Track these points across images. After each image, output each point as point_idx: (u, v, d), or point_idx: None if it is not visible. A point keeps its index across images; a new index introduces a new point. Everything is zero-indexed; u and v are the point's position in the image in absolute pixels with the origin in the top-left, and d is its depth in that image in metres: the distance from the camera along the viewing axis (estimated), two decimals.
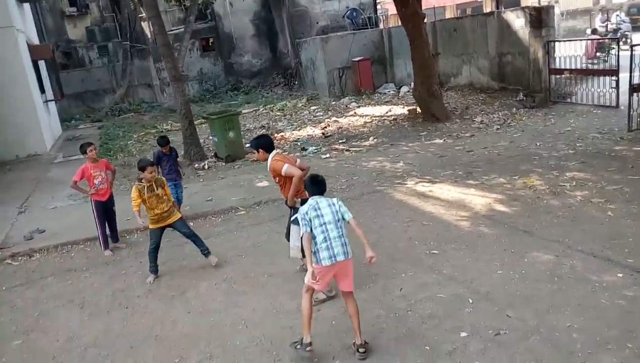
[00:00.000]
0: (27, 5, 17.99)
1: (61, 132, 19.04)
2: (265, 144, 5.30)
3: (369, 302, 4.86)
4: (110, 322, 5.17)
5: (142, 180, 5.91)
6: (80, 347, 4.78)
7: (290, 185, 5.07)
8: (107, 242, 7.01)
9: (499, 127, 11.29)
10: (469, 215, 6.68)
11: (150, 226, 5.94)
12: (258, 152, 5.30)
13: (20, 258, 7.19)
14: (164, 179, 6.28)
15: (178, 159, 8.00)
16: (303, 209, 4.13)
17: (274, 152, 5.28)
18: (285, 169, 5.03)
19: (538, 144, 9.52)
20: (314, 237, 4.06)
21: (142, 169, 5.91)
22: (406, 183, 8.26)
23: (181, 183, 7.96)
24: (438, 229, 6.37)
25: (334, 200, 4.23)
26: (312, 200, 4.18)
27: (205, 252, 6.08)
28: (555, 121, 11.18)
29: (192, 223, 7.66)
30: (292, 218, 5.07)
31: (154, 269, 5.99)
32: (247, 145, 12.59)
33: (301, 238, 4.22)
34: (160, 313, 5.21)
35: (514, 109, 12.53)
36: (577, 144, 9.17)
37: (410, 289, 5.02)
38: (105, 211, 6.95)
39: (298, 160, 5.30)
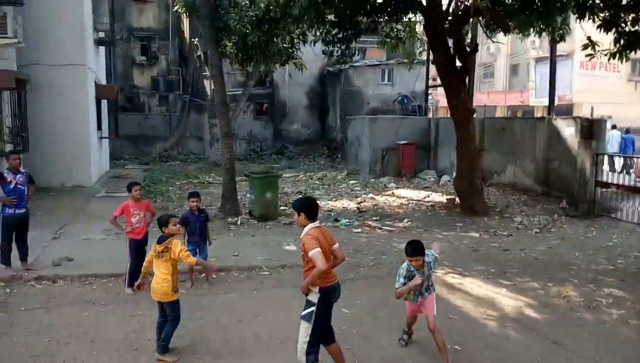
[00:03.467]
0: (102, 48, 19.36)
1: (108, 169, 19.81)
2: (308, 208, 4.61)
3: None
4: (117, 360, 5.10)
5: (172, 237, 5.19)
6: None
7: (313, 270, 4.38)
8: (133, 280, 7.05)
9: (538, 230, 11.03)
10: (498, 315, 6.42)
11: (177, 295, 5.20)
12: (299, 215, 4.60)
13: (44, 282, 7.30)
14: None
15: (208, 222, 7.56)
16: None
17: (315, 224, 4.56)
18: (313, 253, 4.31)
19: (577, 254, 9.21)
20: None
21: (165, 223, 5.18)
22: (436, 272, 8.03)
23: (206, 249, 7.42)
24: (464, 325, 6.13)
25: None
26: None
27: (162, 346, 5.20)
28: (597, 234, 10.85)
29: (215, 276, 7.69)
30: (303, 312, 4.48)
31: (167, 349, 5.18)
32: (283, 206, 12.71)
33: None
34: (167, 360, 5.09)
35: (556, 216, 12.27)
36: (618, 261, 8.82)
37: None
38: (138, 250, 7.05)
39: (337, 245, 4.69)
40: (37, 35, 14.30)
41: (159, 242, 5.18)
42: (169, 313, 5.18)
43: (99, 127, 17.71)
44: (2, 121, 11.86)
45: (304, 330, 4.43)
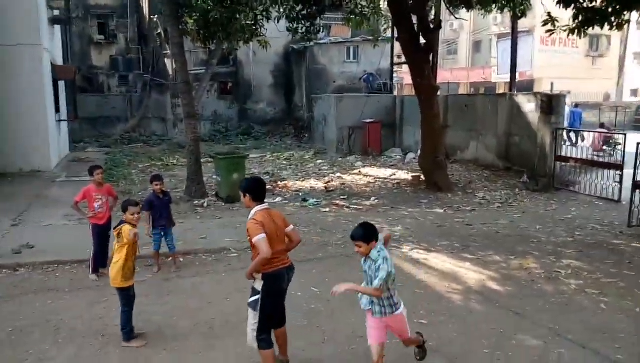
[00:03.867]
0: (57, 27, 18.60)
1: (68, 153, 19.24)
2: (254, 189, 4.37)
3: None
4: (83, 347, 5.03)
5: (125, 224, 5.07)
6: None
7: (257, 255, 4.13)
8: (97, 266, 6.92)
9: (500, 205, 11.33)
10: (462, 288, 6.59)
11: (128, 283, 5.07)
12: (244, 196, 4.37)
13: (4, 271, 7.09)
14: None
15: (171, 204, 7.53)
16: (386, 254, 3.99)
17: (261, 206, 4.32)
18: (256, 240, 4.07)
19: (537, 227, 9.51)
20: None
21: (123, 209, 5.14)
22: (401, 248, 8.21)
23: (171, 231, 7.31)
24: (429, 299, 6.27)
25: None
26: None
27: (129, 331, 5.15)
28: (556, 207, 11.22)
29: (182, 259, 7.63)
30: (249, 300, 4.34)
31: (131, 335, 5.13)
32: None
33: None
34: (134, 345, 5.06)
35: (517, 190, 12.61)
36: (576, 233, 9.16)
37: (394, 357, 4.87)
38: (101, 234, 6.90)
39: (291, 226, 4.44)
40: None
41: (114, 227, 5.16)
42: (119, 300, 5.12)
43: (57, 109, 17.11)
44: None
45: (252, 317, 4.27)
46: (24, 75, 14.45)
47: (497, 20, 35.60)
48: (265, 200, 4.44)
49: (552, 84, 27.89)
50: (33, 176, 14.24)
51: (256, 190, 4.37)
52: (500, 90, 32.88)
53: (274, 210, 4.52)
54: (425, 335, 5.29)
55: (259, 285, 4.24)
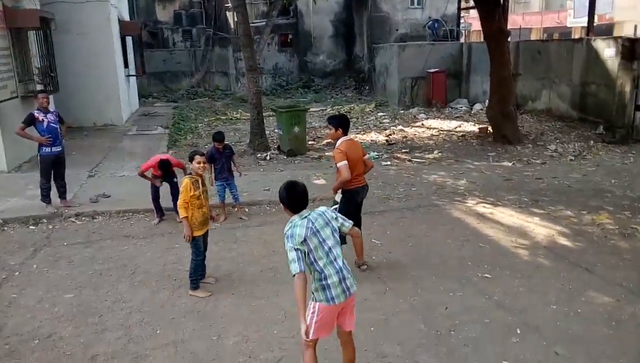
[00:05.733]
0: None
1: (138, 107, 19.95)
2: (346, 124, 5.54)
3: (410, 315, 4.76)
4: (157, 291, 5.34)
5: (191, 174, 5.26)
6: (125, 310, 4.96)
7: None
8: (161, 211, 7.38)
9: (573, 158, 10.76)
10: (529, 244, 6.40)
11: (196, 233, 5.17)
12: (336, 130, 5.47)
13: (84, 218, 7.58)
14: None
15: (234, 157, 7.62)
16: (289, 233, 3.29)
17: (347, 137, 5.49)
18: (340, 166, 5.30)
19: (613, 181, 9.00)
20: (316, 272, 3.29)
21: (190, 158, 5.29)
22: (466, 202, 8.03)
23: (234, 183, 7.51)
24: (494, 253, 6.15)
25: (323, 209, 3.56)
26: (300, 219, 3.36)
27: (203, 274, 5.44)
28: (634, 160, 10.52)
29: (247, 209, 7.85)
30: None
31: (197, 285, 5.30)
32: (311, 141, 12.67)
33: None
34: (199, 296, 5.31)
35: (592, 142, 11.91)
36: None
37: (456, 309, 4.86)
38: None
39: (367, 155, 5.70)
40: None
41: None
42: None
43: (126, 65, 17.68)
44: (30, 61, 11.90)
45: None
46: (94, 32, 14.92)
47: None
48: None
49: (635, 27, 25.64)
50: (106, 130, 14.95)
51: (347, 125, 5.58)
52: (576, 36, 30.66)
53: (355, 140, 5.76)
54: (490, 288, 5.23)
55: (339, 197, 5.50)
